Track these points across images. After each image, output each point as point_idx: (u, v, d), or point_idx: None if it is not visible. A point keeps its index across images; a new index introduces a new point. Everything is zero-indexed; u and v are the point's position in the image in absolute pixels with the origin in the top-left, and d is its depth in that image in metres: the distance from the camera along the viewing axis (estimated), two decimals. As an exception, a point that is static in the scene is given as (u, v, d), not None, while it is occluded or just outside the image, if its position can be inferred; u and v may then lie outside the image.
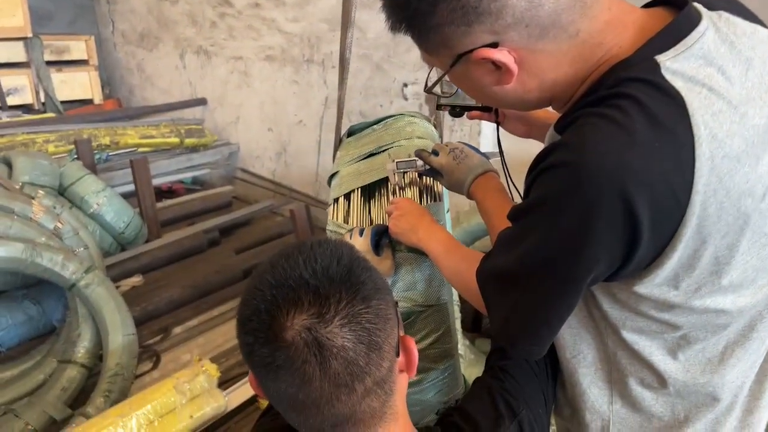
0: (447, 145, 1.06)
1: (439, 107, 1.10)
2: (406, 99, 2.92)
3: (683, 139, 0.57)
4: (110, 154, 3.59)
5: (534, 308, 0.68)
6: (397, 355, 0.64)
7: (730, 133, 0.58)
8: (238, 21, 3.69)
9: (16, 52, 4.08)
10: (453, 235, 0.99)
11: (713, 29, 0.62)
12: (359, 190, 1.26)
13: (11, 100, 4.09)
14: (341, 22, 1.29)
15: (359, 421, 0.61)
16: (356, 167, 1.31)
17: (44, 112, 4.18)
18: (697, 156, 0.57)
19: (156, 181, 3.38)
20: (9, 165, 2.41)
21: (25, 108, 4.18)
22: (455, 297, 1.34)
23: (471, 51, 0.64)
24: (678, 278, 0.64)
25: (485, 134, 2.62)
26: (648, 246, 0.60)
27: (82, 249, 2.19)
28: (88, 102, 4.52)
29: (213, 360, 1.95)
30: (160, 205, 3.29)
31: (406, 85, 2.90)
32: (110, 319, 1.94)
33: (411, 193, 1.20)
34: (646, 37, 0.62)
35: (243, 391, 1.92)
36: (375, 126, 1.41)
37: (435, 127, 1.45)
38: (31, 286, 2.28)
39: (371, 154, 1.32)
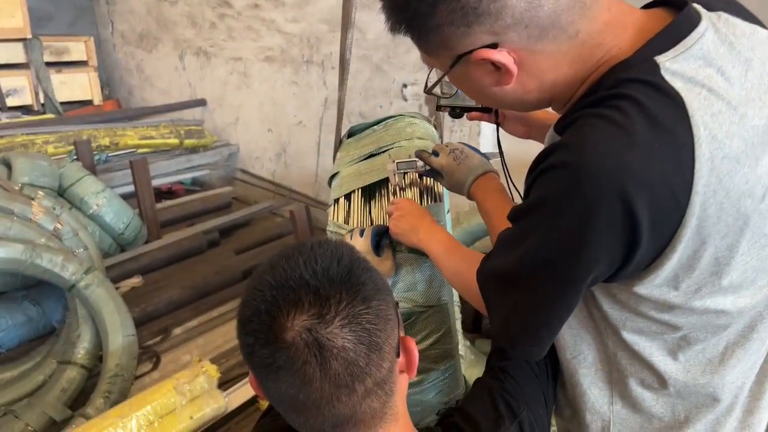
0: (447, 146, 1.06)
1: (438, 108, 1.10)
2: (405, 100, 2.92)
3: (683, 139, 0.57)
4: (110, 155, 3.59)
5: (534, 309, 0.68)
6: (398, 355, 0.64)
7: (729, 133, 0.58)
8: (237, 22, 3.69)
9: (15, 53, 4.08)
10: (453, 235, 0.99)
11: (713, 30, 0.62)
12: (360, 190, 1.26)
13: (11, 101, 4.10)
14: (341, 23, 1.29)
15: (360, 421, 0.61)
16: (357, 168, 1.31)
17: (44, 113, 4.18)
18: (696, 157, 0.57)
19: (155, 182, 3.39)
20: (8, 166, 2.41)
21: (25, 109, 4.18)
22: (456, 298, 1.34)
23: (470, 52, 0.64)
24: (678, 279, 0.64)
25: (485, 135, 2.62)
26: (648, 247, 0.60)
27: (81, 250, 2.19)
28: (87, 103, 4.52)
29: (213, 361, 1.95)
30: (159, 206, 3.29)
31: (405, 85, 2.90)
32: (110, 320, 1.94)
33: (411, 193, 1.20)
34: (645, 38, 0.62)
35: (243, 391, 1.92)
36: (375, 127, 1.41)
37: (435, 128, 1.45)
38: (31, 287, 2.28)
39: (371, 155, 1.32)
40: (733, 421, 0.78)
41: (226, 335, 2.40)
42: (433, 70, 0.80)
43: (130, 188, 3.06)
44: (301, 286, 0.58)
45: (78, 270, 1.94)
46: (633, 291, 0.67)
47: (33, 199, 2.17)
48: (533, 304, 0.68)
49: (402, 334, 0.67)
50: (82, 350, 1.97)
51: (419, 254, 1.08)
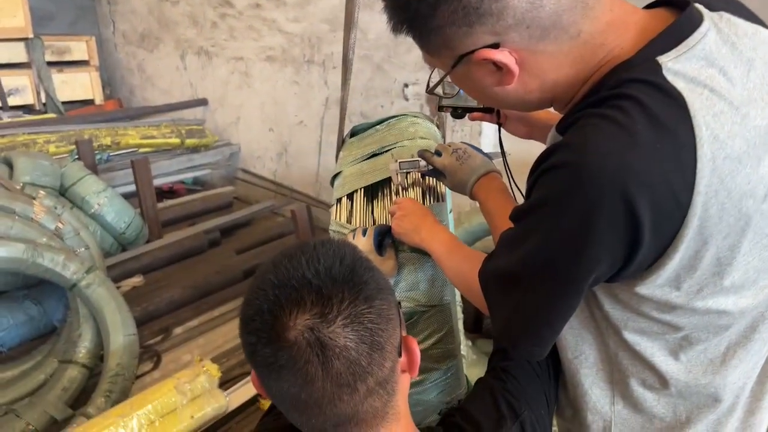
0: (450, 146, 1.06)
1: (440, 108, 1.10)
2: (407, 99, 2.92)
3: (684, 140, 0.57)
4: (111, 154, 3.60)
5: (536, 309, 0.68)
6: (400, 355, 0.64)
7: (731, 134, 0.58)
8: (238, 21, 3.69)
9: (17, 52, 4.09)
10: (455, 235, 0.99)
11: (715, 30, 0.62)
12: (362, 190, 1.26)
13: (12, 101, 4.10)
14: (344, 23, 1.29)
15: (361, 421, 0.61)
16: (359, 167, 1.31)
17: (45, 112, 4.19)
18: (698, 157, 0.57)
19: (157, 182, 3.38)
20: (10, 165, 2.42)
21: (26, 108, 4.19)
22: (458, 298, 1.34)
23: (472, 52, 0.65)
24: (679, 279, 0.64)
25: (486, 134, 2.62)
26: (649, 247, 0.60)
27: (83, 249, 2.19)
28: (89, 102, 4.53)
29: (214, 360, 1.94)
30: (161, 205, 3.30)
31: (407, 85, 2.90)
32: (111, 319, 1.95)
33: (414, 193, 1.20)
34: (647, 38, 0.62)
35: (244, 391, 1.92)
36: (378, 126, 1.41)
37: (438, 128, 1.45)
38: (32, 286, 2.28)
39: (374, 155, 1.32)
40: (735, 422, 0.78)
41: (227, 335, 2.40)
42: (435, 70, 0.81)
43: (132, 188, 3.06)
44: (304, 285, 0.58)
45: (79, 269, 1.94)
46: (635, 291, 0.67)
47: (34, 198, 2.17)
48: (535, 304, 0.68)
49: (404, 333, 0.67)
50: (83, 349, 1.97)
51: (422, 254, 1.08)
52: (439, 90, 0.85)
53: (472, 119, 1.09)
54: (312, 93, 3.41)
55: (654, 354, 0.73)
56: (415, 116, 1.40)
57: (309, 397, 0.58)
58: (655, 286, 0.65)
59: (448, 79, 0.73)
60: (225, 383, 1.93)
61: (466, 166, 1.01)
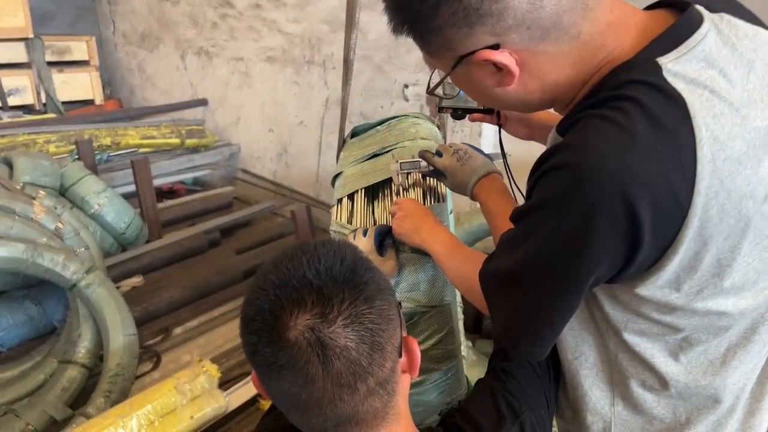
0: (451, 146, 1.06)
1: (441, 109, 1.11)
2: (407, 100, 2.92)
3: (684, 141, 0.57)
4: (111, 154, 3.60)
5: (536, 309, 0.68)
6: (400, 355, 0.64)
7: (731, 135, 0.58)
8: (239, 22, 3.70)
9: (17, 52, 4.09)
10: (455, 235, 0.99)
11: (715, 31, 0.62)
12: (363, 190, 1.26)
13: (12, 101, 4.10)
14: (345, 23, 1.29)
15: (362, 421, 0.61)
16: (360, 168, 1.31)
17: (45, 112, 4.19)
18: (698, 158, 0.57)
19: (157, 182, 3.39)
20: (10, 165, 2.42)
21: (26, 108, 4.19)
22: (458, 298, 1.34)
23: (472, 53, 0.65)
24: (680, 280, 0.64)
25: (486, 135, 2.62)
26: (649, 248, 0.61)
27: (82, 249, 2.19)
28: (89, 102, 4.53)
29: (213, 360, 1.94)
30: (160, 205, 3.30)
31: (407, 86, 2.90)
32: (111, 319, 1.95)
33: (414, 193, 1.20)
34: (647, 39, 0.62)
35: (244, 391, 1.92)
36: (379, 127, 1.41)
37: (438, 129, 1.45)
38: (32, 286, 2.28)
39: (375, 155, 1.32)
40: (735, 423, 0.78)
41: (227, 335, 2.40)
42: (436, 71, 0.81)
43: (132, 188, 3.06)
44: (305, 285, 0.58)
45: (79, 269, 1.94)
46: (635, 292, 0.67)
47: (34, 198, 2.17)
48: (535, 305, 0.68)
49: (404, 334, 0.67)
50: (82, 349, 1.97)
51: (422, 254, 1.08)
52: (439, 91, 0.85)
53: (473, 120, 1.10)
54: (312, 93, 3.41)
55: (654, 355, 0.73)
56: (415, 117, 1.40)
57: (309, 397, 0.58)
58: (655, 287, 0.65)
59: (449, 80, 0.74)
60: (225, 383, 1.93)
61: (467, 166, 1.01)
